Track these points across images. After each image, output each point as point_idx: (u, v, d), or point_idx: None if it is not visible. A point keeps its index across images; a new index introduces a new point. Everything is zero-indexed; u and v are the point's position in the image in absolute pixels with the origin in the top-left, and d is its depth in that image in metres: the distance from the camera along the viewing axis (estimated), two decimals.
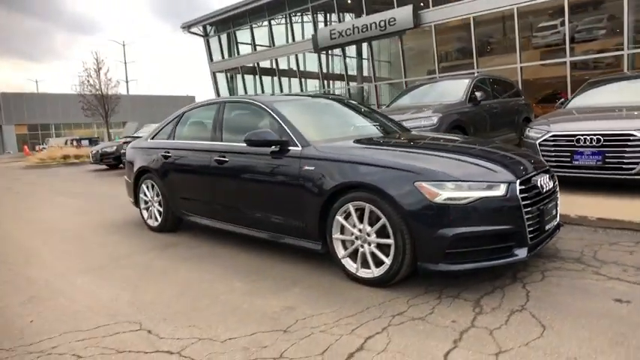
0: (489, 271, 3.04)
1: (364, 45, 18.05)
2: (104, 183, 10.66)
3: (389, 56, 18.70)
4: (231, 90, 24.58)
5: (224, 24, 23.39)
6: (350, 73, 19.99)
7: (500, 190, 2.73)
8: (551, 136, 5.28)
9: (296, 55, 20.72)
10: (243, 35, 23.06)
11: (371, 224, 2.95)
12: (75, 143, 29.87)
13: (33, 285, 3.43)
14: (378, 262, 2.95)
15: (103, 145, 14.86)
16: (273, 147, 3.54)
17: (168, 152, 4.61)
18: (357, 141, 3.55)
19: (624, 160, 4.71)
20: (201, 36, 24.84)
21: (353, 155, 3.14)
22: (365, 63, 19.05)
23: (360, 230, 3.01)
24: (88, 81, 26.67)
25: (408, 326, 2.41)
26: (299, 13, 20.30)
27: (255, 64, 22.56)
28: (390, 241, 2.84)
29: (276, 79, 22.31)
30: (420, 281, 2.98)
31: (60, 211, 6.70)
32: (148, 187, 4.95)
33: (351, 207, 3.02)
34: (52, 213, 6.62)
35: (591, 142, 4.92)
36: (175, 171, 4.54)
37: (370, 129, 4.27)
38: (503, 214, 2.72)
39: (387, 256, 2.88)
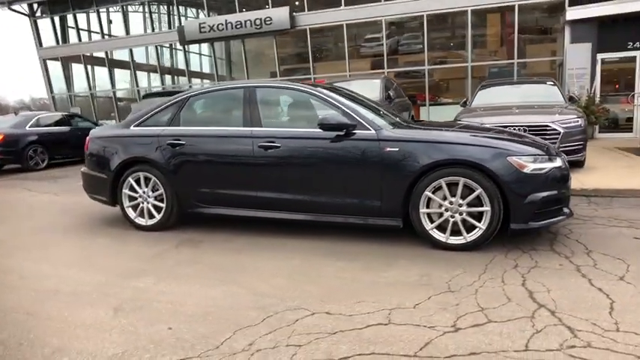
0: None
1: (217, 44, 17.92)
2: None
3: (236, 55, 18.90)
4: (68, 81, 21.18)
5: (59, 4, 20.01)
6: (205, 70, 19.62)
7: (559, 162, 3.46)
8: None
9: (157, 47, 19.12)
10: (85, 19, 20.13)
11: (462, 196, 3.36)
12: None
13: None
14: (468, 229, 3.38)
15: None
16: (340, 131, 3.61)
17: (179, 140, 4.12)
18: (411, 125, 3.90)
19: None
20: (26, 15, 20.72)
21: (443, 136, 3.49)
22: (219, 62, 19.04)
23: (450, 202, 3.38)
24: None
25: (537, 271, 2.91)
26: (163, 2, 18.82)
27: (106, 54, 19.96)
28: (487, 208, 3.29)
29: (130, 72, 20.15)
30: (489, 246, 3.50)
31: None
32: (138, 181, 4.30)
33: (443, 182, 3.37)
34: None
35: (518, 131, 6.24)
36: (192, 160, 4.09)
37: (383, 115, 4.58)
38: (562, 181, 3.44)
39: (480, 222, 3.34)
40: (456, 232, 3.42)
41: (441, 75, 15.94)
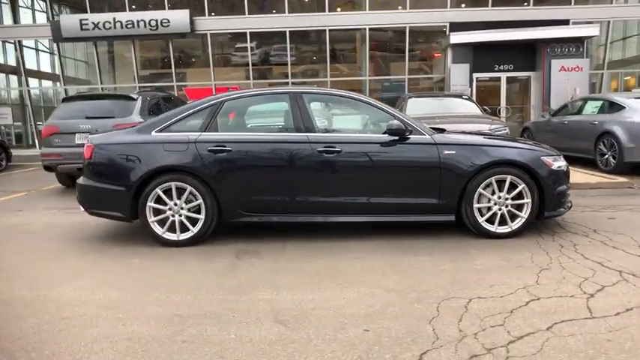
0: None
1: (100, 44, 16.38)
2: None
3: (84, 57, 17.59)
4: None
5: None
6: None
7: (564, 161, 4.28)
8: None
9: (17, 42, 16.28)
10: None
11: (506, 191, 3.93)
12: None
13: None
14: (511, 219, 3.97)
15: None
16: (402, 136, 3.90)
17: (223, 146, 3.87)
18: (447, 132, 4.37)
19: None
20: None
21: (489, 141, 4.03)
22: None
23: (499, 197, 3.93)
24: None
25: (582, 248, 3.60)
26: None
27: None
28: (528, 200, 3.92)
29: None
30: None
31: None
32: (169, 192, 3.90)
33: (493, 179, 3.90)
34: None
35: None
36: (242, 168, 3.89)
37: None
38: (567, 177, 4.26)
39: (522, 212, 3.95)
40: (501, 222, 3.97)
41: (345, 87, 17.05)
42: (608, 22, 14.93)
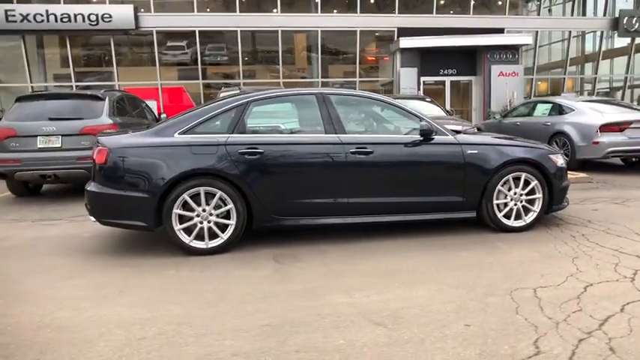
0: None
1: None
2: None
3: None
4: None
5: None
6: None
7: (563, 159, 4.67)
8: None
9: None
10: None
11: (518, 187, 4.22)
12: None
13: None
14: (525, 213, 4.27)
15: None
16: (429, 137, 4.03)
17: (255, 148, 3.74)
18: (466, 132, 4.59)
19: None
20: None
21: (506, 141, 4.30)
22: None
23: (515, 193, 4.21)
24: None
25: (594, 237, 3.98)
26: None
27: None
28: (539, 195, 4.24)
29: None
30: None
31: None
32: (197, 198, 3.69)
33: (510, 177, 4.17)
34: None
35: None
36: (275, 171, 3.79)
37: None
38: (566, 173, 4.66)
39: (534, 206, 4.26)
40: (516, 217, 4.26)
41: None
42: (536, 31, 16.45)
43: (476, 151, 4.11)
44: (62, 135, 6.33)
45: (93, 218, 3.82)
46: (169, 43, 15.66)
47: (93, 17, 13.97)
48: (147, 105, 9.31)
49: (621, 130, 7.59)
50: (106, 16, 14.02)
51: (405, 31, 15.39)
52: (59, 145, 6.33)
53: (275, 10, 15.09)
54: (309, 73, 16.93)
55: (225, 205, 3.74)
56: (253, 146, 3.77)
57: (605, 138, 7.58)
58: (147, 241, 4.15)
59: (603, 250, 3.65)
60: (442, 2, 16.32)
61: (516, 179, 4.20)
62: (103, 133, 4.16)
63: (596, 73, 18.17)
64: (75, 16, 13.86)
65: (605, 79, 19.33)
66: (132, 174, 3.68)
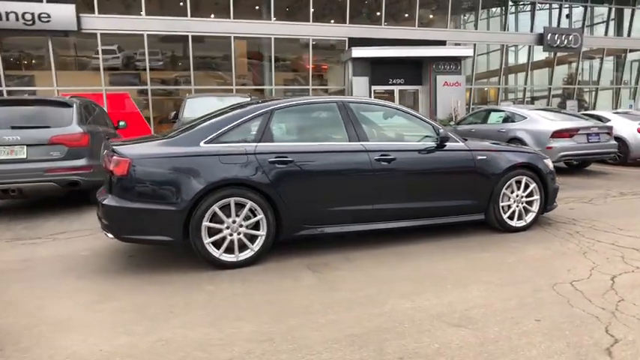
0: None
1: None
2: None
3: None
4: None
5: None
6: None
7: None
8: None
9: None
10: None
11: (519, 190, 4.56)
12: None
13: None
14: (525, 214, 4.61)
15: None
16: (442, 143, 4.23)
17: (285, 157, 3.68)
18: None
19: None
20: None
21: (509, 147, 4.61)
22: None
23: (517, 195, 4.53)
24: None
25: (591, 234, 4.39)
26: None
27: None
28: (537, 197, 4.60)
29: None
30: None
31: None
32: (225, 209, 3.56)
33: (513, 181, 4.49)
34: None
35: None
36: (304, 179, 3.76)
37: None
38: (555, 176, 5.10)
39: (532, 207, 4.62)
40: (518, 217, 4.58)
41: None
42: (474, 44, 17.69)
43: (485, 157, 4.38)
44: (27, 145, 5.75)
45: (110, 235, 3.54)
46: (101, 47, 14.76)
47: (28, 16, 12.78)
48: (105, 111, 8.76)
49: (571, 136, 8.42)
50: (43, 15, 12.90)
51: (355, 41, 15.84)
52: (24, 157, 5.74)
53: (227, 17, 14.83)
54: (259, 81, 16.81)
55: (255, 215, 3.65)
56: (283, 155, 3.72)
57: (558, 143, 8.36)
58: (155, 256, 3.91)
59: (603, 245, 4.04)
60: (390, 14, 17.01)
61: (517, 182, 4.53)
62: (117, 142, 3.85)
63: (526, 84, 19.91)
64: (7, 14, 12.60)
65: (539, 89, 21.10)
66: (157, 186, 3.47)
